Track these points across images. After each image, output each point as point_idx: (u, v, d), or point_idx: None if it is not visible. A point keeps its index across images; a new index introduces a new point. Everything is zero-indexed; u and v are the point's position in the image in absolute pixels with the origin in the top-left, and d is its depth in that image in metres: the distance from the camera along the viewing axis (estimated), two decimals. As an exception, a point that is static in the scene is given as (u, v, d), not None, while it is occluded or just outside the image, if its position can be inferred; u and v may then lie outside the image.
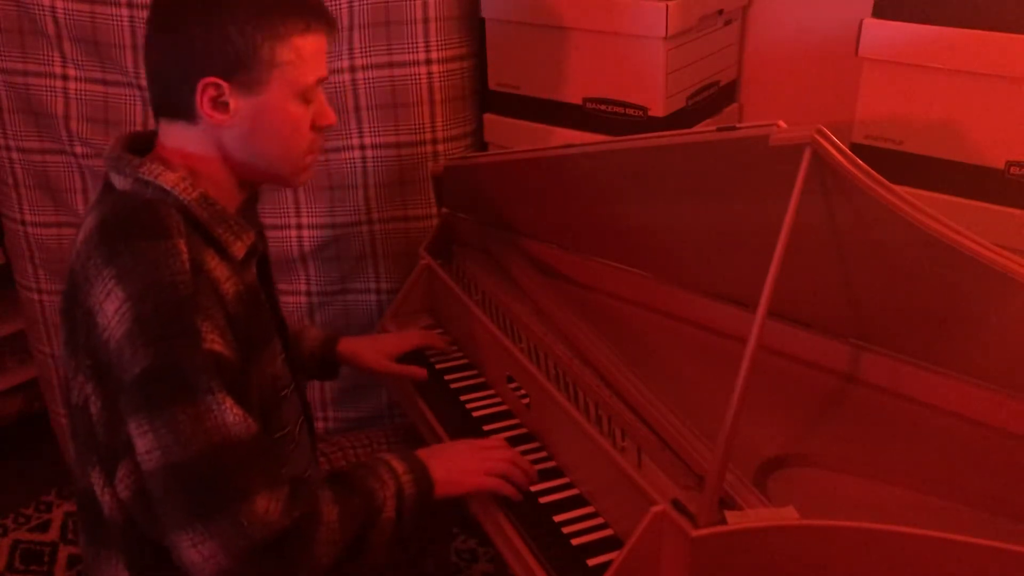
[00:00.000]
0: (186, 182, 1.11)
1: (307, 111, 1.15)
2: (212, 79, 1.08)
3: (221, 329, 1.06)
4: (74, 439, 1.15)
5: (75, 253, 1.11)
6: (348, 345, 1.52)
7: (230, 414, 1.03)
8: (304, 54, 1.12)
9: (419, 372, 1.49)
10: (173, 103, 1.12)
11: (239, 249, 1.14)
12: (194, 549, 1.01)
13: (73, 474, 1.19)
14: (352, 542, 1.10)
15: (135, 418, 1.02)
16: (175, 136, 1.14)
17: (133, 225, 1.06)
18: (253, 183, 1.20)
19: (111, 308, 1.03)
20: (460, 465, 1.21)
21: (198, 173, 1.13)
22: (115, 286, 1.03)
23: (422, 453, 1.22)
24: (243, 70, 1.09)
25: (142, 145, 1.16)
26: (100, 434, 1.09)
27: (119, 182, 1.12)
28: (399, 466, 1.18)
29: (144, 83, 1.79)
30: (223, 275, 1.10)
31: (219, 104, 1.10)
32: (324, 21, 1.14)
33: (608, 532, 1.15)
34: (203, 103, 1.09)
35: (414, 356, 1.54)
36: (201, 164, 1.14)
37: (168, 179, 1.10)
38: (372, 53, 1.70)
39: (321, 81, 1.15)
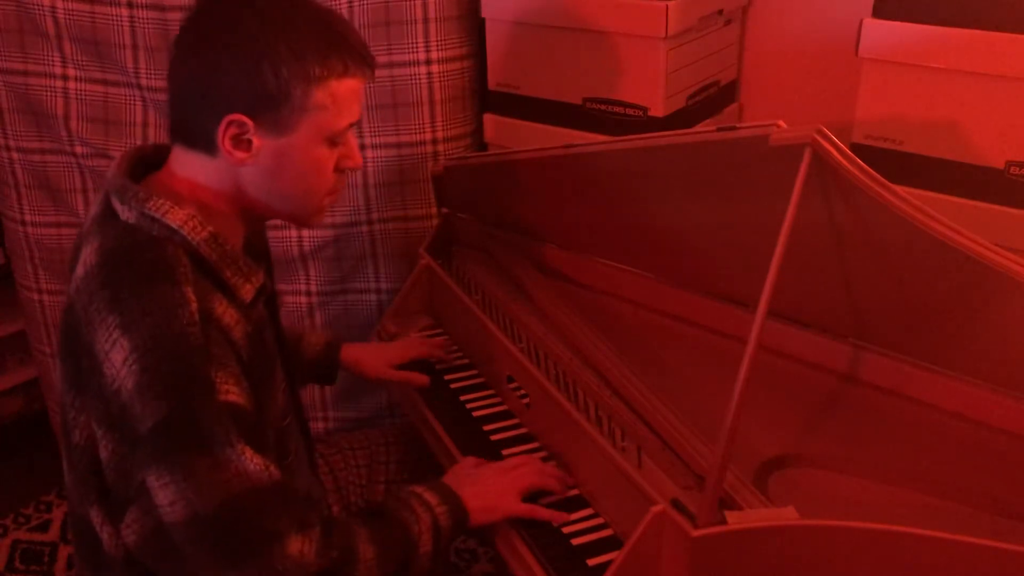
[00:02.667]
0: (195, 220, 1.05)
1: (333, 154, 1.11)
2: (237, 116, 1.03)
3: (236, 377, 1.02)
4: (71, 472, 1.12)
5: (74, 287, 1.06)
6: (351, 352, 1.50)
7: (250, 463, 1.00)
8: (339, 99, 1.06)
9: (420, 379, 1.47)
10: (193, 132, 1.07)
11: (248, 292, 1.09)
12: None
13: (69, 500, 1.16)
14: None
15: (154, 470, 0.99)
16: (189, 166, 1.09)
17: (137, 268, 1.01)
18: (264, 219, 1.17)
19: (118, 359, 0.99)
20: (492, 490, 1.18)
21: (208, 208, 1.09)
22: (120, 336, 0.99)
23: (451, 482, 1.20)
24: (272, 110, 1.04)
25: (146, 162, 1.12)
26: (109, 478, 1.05)
27: (123, 212, 1.06)
28: (432, 498, 1.15)
29: (144, 83, 1.80)
30: (232, 320, 1.05)
31: (241, 141, 1.05)
32: (365, 64, 1.09)
33: (608, 532, 1.15)
34: (224, 139, 1.04)
35: (418, 362, 1.53)
36: (212, 199, 1.09)
37: (176, 217, 1.04)
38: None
39: (353, 125, 1.11)
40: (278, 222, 1.82)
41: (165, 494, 0.99)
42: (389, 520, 1.12)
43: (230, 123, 1.04)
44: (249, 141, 1.05)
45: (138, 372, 0.98)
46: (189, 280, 1.01)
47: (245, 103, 1.03)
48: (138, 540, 1.06)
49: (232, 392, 1.01)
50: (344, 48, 1.07)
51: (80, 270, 1.05)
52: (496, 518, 1.18)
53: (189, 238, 1.04)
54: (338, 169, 1.13)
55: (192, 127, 1.07)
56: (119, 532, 1.08)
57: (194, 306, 1.00)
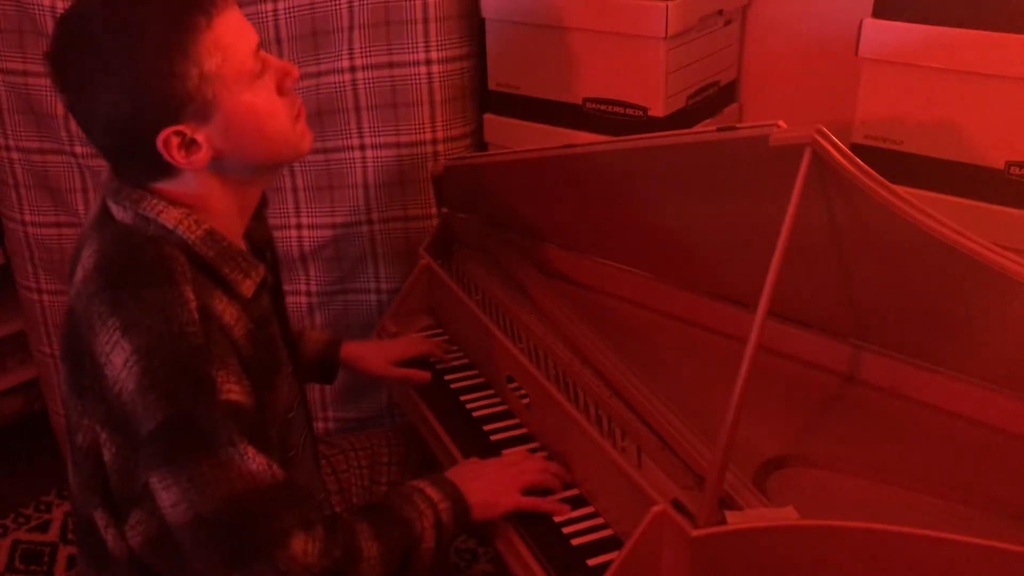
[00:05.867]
0: (190, 219, 1.05)
1: (265, 85, 1.06)
2: (165, 133, 1.00)
3: (237, 375, 1.02)
4: (76, 474, 1.12)
5: (74, 291, 1.06)
6: (351, 349, 1.50)
7: (253, 463, 1.00)
8: (225, 43, 1.00)
9: (422, 375, 1.47)
10: (147, 172, 1.05)
11: (248, 288, 1.09)
12: None
13: (73, 501, 1.16)
14: (394, 575, 1.09)
15: (156, 472, 0.99)
16: (164, 190, 1.07)
17: (136, 270, 1.01)
18: (261, 185, 1.16)
19: (119, 361, 0.99)
20: (494, 487, 1.19)
21: (203, 208, 1.08)
22: (121, 338, 0.99)
23: (454, 476, 1.20)
24: (186, 104, 1.00)
25: None
26: (113, 479, 1.06)
27: (118, 213, 1.06)
28: (435, 494, 1.15)
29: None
30: (232, 317, 1.05)
31: (190, 146, 1.02)
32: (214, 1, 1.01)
33: (608, 532, 1.15)
34: (176, 155, 1.02)
35: (418, 360, 1.53)
36: (203, 201, 1.08)
37: (171, 217, 1.04)
38: (372, 53, 1.70)
39: (259, 47, 1.05)
40: (278, 221, 1.83)
41: (168, 495, 0.99)
42: (392, 516, 1.12)
43: (166, 143, 1.01)
44: (193, 141, 1.02)
45: (139, 374, 0.98)
46: (188, 279, 1.01)
47: (162, 118, 1.00)
48: (143, 541, 1.06)
49: (234, 391, 1.01)
50: (190, 2, 1.00)
51: (79, 274, 1.06)
52: (498, 513, 1.18)
53: (185, 237, 1.04)
54: (281, 91, 1.08)
55: (142, 168, 1.05)
56: (124, 534, 1.08)
57: (193, 305, 1.00)
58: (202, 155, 1.03)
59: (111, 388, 1.00)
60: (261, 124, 1.06)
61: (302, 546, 1.01)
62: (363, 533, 1.08)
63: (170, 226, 1.04)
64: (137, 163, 1.05)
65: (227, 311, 1.05)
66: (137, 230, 1.05)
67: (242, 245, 1.14)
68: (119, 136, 1.03)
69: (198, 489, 0.98)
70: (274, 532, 1.00)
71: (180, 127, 1.01)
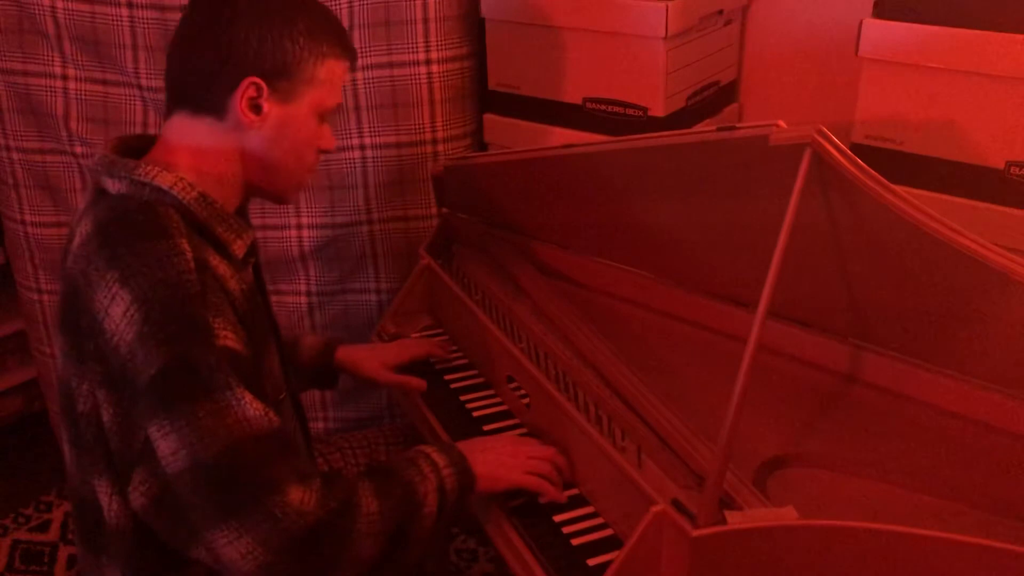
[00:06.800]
0: (184, 182, 1.09)
1: (319, 132, 1.18)
2: (256, 79, 1.10)
3: (233, 324, 1.05)
4: (75, 447, 1.13)
5: (71, 259, 1.09)
6: (347, 353, 1.50)
7: (250, 408, 1.01)
8: (335, 77, 1.16)
9: (418, 383, 1.47)
10: (205, 97, 1.12)
11: (240, 248, 1.14)
12: (231, 546, 0.99)
13: (70, 482, 1.17)
14: (393, 536, 1.09)
15: (155, 421, 1.01)
16: (191, 131, 1.13)
17: (132, 226, 1.05)
18: (251, 190, 1.20)
19: (118, 312, 1.01)
20: (501, 461, 1.20)
21: (204, 172, 1.12)
22: (120, 289, 1.01)
23: (462, 447, 1.21)
24: (286, 79, 1.12)
25: (131, 150, 1.15)
26: (113, 442, 1.07)
27: (113, 186, 1.10)
28: (440, 459, 1.16)
29: (144, 83, 1.80)
30: (227, 273, 1.09)
31: (254, 105, 1.12)
32: (353, 53, 1.20)
33: (608, 532, 1.15)
34: (242, 101, 1.10)
35: (418, 362, 1.53)
36: (212, 161, 1.13)
37: (165, 179, 1.08)
38: (372, 53, 1.70)
39: (337, 108, 1.19)
40: (278, 221, 1.83)
41: (167, 443, 1.00)
42: (395, 477, 1.12)
43: (249, 85, 1.10)
44: (260, 106, 1.12)
45: (139, 322, 1.00)
46: (183, 234, 1.06)
47: (264, 68, 1.11)
48: (145, 503, 1.07)
49: (229, 338, 1.03)
50: (342, 34, 1.18)
51: (76, 241, 1.09)
52: (502, 488, 1.19)
53: (180, 197, 1.09)
54: (317, 149, 1.20)
55: (206, 91, 1.12)
56: (126, 500, 1.08)
57: (189, 255, 1.04)
58: (254, 120, 1.12)
59: (109, 341, 1.02)
60: (299, 146, 1.17)
61: (299, 495, 1.01)
62: (363, 489, 1.08)
63: (165, 187, 1.08)
64: (209, 88, 1.12)
65: (220, 266, 1.09)
66: (132, 196, 1.09)
67: (232, 212, 1.17)
68: (224, 62, 1.10)
69: (197, 435, 0.99)
70: (271, 479, 1.01)
71: (265, 85, 1.11)
